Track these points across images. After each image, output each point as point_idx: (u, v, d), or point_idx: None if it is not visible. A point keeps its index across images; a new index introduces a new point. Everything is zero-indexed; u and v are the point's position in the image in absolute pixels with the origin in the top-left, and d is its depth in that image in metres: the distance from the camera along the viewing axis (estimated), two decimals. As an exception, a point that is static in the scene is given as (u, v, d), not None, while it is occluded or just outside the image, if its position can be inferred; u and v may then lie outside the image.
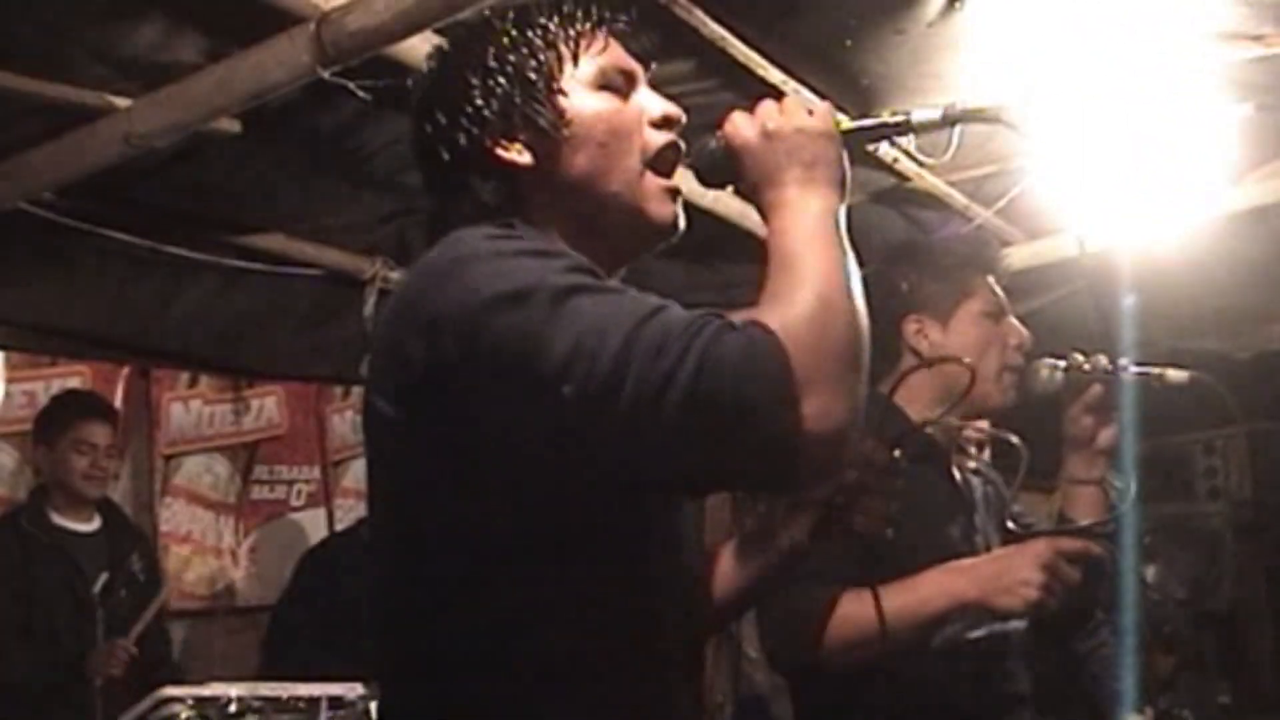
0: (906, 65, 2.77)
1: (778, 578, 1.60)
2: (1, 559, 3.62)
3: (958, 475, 2.30)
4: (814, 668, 2.10)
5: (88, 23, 2.43)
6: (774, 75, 2.72)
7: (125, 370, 4.50)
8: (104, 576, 3.70)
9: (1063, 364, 2.23)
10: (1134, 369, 2.22)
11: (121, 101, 2.64)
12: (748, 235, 3.21)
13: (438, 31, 2.34)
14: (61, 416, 3.81)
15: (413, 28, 2.28)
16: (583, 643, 1.27)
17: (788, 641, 2.12)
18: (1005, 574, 2.00)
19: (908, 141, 2.96)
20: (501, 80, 1.39)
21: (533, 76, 1.39)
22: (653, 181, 1.41)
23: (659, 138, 1.43)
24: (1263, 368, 4.54)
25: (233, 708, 3.05)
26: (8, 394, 4.16)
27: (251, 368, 4.68)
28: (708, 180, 1.43)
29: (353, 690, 3.10)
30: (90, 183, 2.90)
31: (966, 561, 2.08)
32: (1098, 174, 3.27)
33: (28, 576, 3.61)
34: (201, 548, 4.78)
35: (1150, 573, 5.08)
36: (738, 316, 1.18)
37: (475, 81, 1.40)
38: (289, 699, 3.11)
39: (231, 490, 4.92)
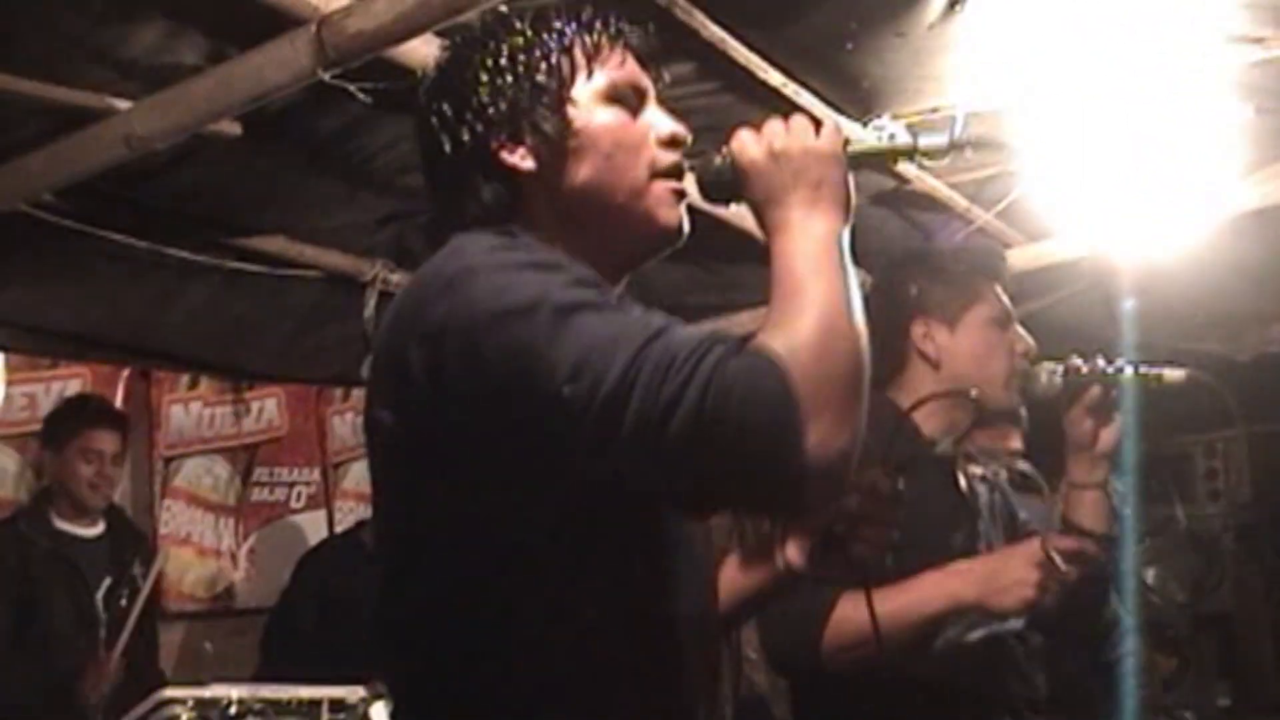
0: (907, 68, 2.77)
1: (775, 595, 1.60)
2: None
3: (963, 483, 2.30)
4: (813, 669, 2.10)
5: (88, 25, 2.43)
6: (774, 78, 2.72)
7: (125, 372, 4.51)
8: (107, 582, 3.70)
9: (1061, 368, 2.24)
10: (1131, 369, 2.22)
11: (122, 104, 2.64)
12: (748, 237, 3.20)
13: (439, 34, 2.35)
14: (70, 422, 3.80)
15: (413, 30, 2.28)
16: (589, 654, 1.26)
17: (787, 642, 2.13)
18: (1001, 574, 2.01)
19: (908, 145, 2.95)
20: (511, 81, 1.38)
21: (543, 81, 1.38)
22: (658, 186, 1.40)
23: (665, 157, 1.41)
24: (1263, 370, 4.53)
25: (233, 710, 3.05)
26: (8, 396, 4.16)
27: (252, 370, 4.67)
28: (712, 196, 1.43)
29: (353, 692, 3.10)
30: (91, 185, 2.90)
31: (963, 563, 2.08)
32: (1098, 176, 3.27)
33: (28, 582, 3.60)
34: (201, 550, 4.78)
35: (1150, 575, 5.09)
36: (747, 332, 1.17)
37: (485, 78, 1.38)
38: (289, 701, 3.11)
39: (231, 492, 4.93)
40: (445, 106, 1.40)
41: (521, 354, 1.15)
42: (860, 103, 2.90)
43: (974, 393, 2.16)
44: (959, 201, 3.57)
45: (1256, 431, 4.85)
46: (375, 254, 3.78)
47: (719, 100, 2.81)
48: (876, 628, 1.72)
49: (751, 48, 2.63)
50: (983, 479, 2.34)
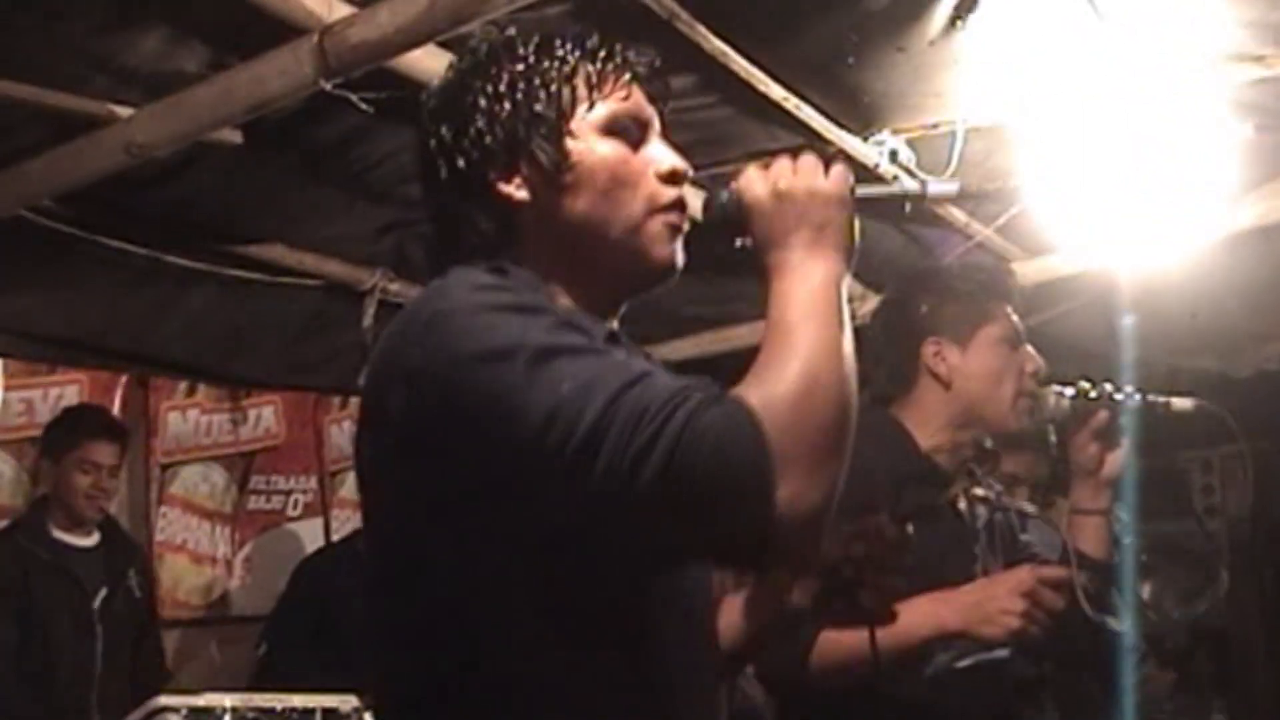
0: (908, 83, 2.77)
1: (779, 636, 1.58)
2: None
3: (962, 503, 2.30)
4: (800, 689, 2.09)
5: (90, 32, 2.43)
6: (776, 92, 2.72)
7: (123, 379, 4.50)
8: (103, 591, 3.69)
9: (1070, 391, 2.24)
10: (1139, 396, 2.22)
11: (123, 111, 2.65)
12: (745, 250, 3.20)
13: (440, 45, 2.35)
14: (70, 433, 3.77)
15: (415, 40, 2.29)
16: (567, 700, 1.23)
17: (775, 662, 2.12)
18: (986, 603, 2.00)
19: (908, 158, 2.96)
20: (509, 110, 1.35)
21: (542, 111, 1.35)
22: (655, 221, 1.37)
23: (664, 192, 1.38)
24: (1261, 387, 4.54)
25: (227, 718, 3.04)
26: (5, 402, 4.15)
27: (250, 377, 4.68)
28: (715, 233, 1.39)
29: (347, 702, 3.09)
30: (91, 191, 2.90)
31: (950, 591, 2.07)
32: (1098, 193, 3.27)
33: (26, 592, 3.59)
34: (197, 557, 4.77)
35: (1146, 590, 5.08)
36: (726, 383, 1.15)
37: (483, 105, 1.36)
38: (284, 710, 3.10)
39: (228, 500, 4.91)
40: (444, 131, 1.38)
41: (497, 399, 1.13)
42: (861, 117, 2.91)
43: (988, 443, 2.16)
44: (958, 216, 3.57)
45: (1254, 449, 4.86)
46: (374, 263, 3.78)
47: (719, 113, 2.81)
48: (867, 651, 1.71)
49: (753, 62, 2.64)
50: (984, 499, 2.33)
